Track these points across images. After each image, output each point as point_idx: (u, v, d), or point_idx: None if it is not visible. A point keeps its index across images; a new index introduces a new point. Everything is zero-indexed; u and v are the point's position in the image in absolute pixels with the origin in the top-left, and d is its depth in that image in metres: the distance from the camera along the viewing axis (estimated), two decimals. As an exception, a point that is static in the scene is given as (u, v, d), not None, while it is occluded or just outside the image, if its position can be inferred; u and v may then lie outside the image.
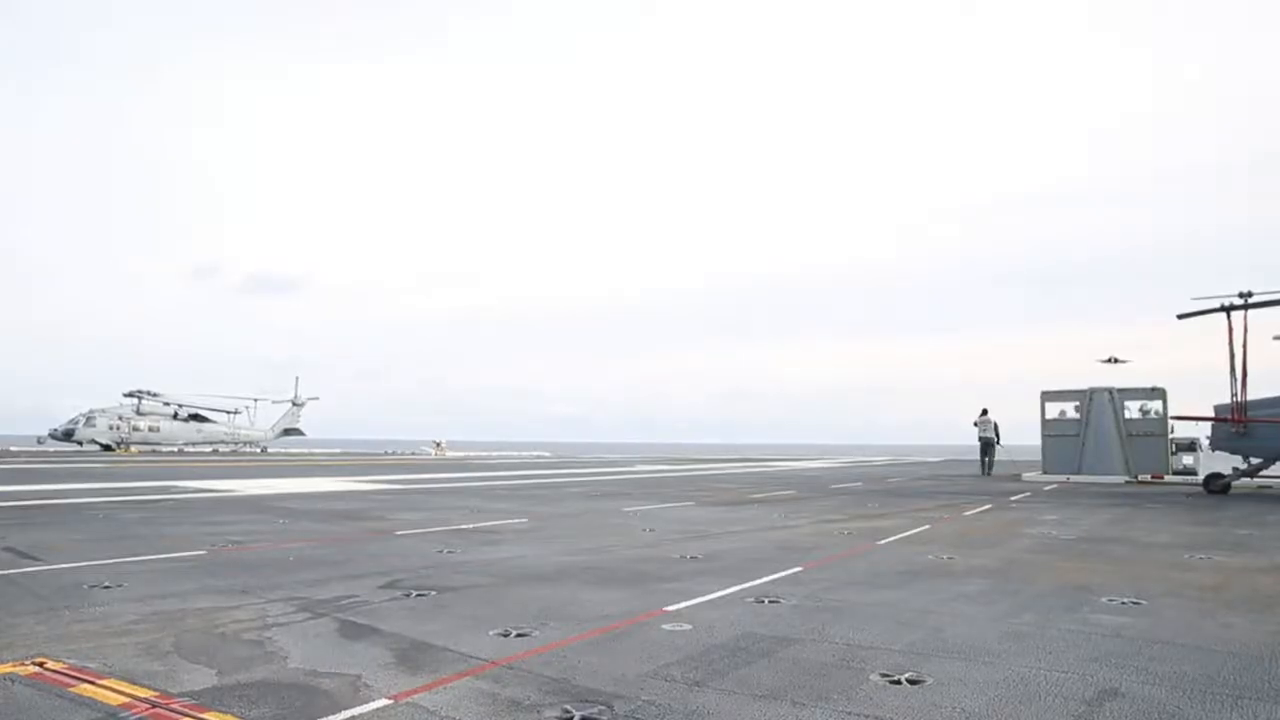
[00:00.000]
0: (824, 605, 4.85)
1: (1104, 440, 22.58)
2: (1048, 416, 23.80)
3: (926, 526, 9.58)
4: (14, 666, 3.35)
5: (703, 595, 5.07)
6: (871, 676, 3.36)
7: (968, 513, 11.66)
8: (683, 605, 4.76)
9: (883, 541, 8.07)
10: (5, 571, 5.73)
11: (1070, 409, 23.59)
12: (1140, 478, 21.45)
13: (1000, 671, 3.45)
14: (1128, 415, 22.61)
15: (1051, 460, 23.40)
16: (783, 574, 5.95)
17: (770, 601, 4.92)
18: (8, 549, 6.76)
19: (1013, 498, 15.02)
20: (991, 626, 4.34)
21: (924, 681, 3.28)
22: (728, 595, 5.11)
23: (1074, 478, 21.98)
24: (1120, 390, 22.87)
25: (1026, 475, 23.04)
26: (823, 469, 30.87)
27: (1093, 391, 23.05)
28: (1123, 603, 4.98)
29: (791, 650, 3.79)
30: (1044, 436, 23.77)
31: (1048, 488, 18.64)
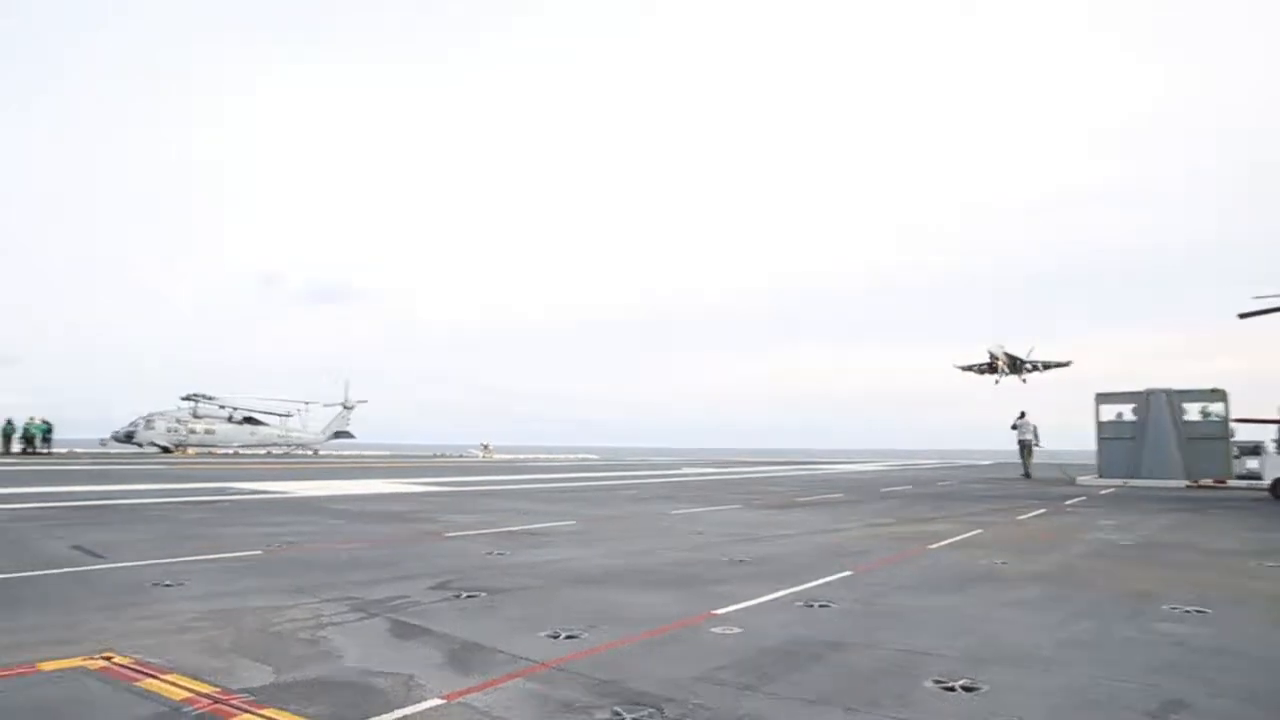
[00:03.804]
0: (875, 610, 4.79)
1: (1162, 443, 22.01)
2: (1102, 419, 23.27)
3: (979, 531, 9.42)
4: (84, 660, 3.45)
5: (752, 599, 5.04)
6: (925, 683, 3.31)
7: (1021, 517, 11.44)
8: (732, 609, 4.73)
9: (934, 546, 7.95)
10: (74, 569, 5.92)
11: (1127, 411, 23.05)
12: (1201, 482, 20.86)
13: (1059, 679, 3.38)
14: (1187, 418, 22.01)
15: (1107, 464, 22.87)
16: (833, 578, 5.89)
17: (820, 605, 4.88)
18: (76, 547, 6.98)
19: (1067, 502, 14.70)
20: (1048, 633, 4.25)
21: (979, 689, 3.22)
22: (777, 599, 5.08)
23: (1131, 482, 21.45)
24: (1179, 392, 22.28)
25: (1081, 479, 22.54)
26: (872, 472, 30.54)
27: (1150, 393, 22.50)
28: (1186, 611, 4.84)
29: (842, 655, 3.75)
30: (1099, 439, 23.24)
31: (1103, 492, 18.21)
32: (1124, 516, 11.67)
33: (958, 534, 9.01)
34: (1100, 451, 23.23)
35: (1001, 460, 46.85)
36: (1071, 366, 35.56)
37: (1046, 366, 33.39)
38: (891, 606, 4.91)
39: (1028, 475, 24.96)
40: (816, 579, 5.83)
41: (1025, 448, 25.95)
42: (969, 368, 38.38)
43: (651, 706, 2.97)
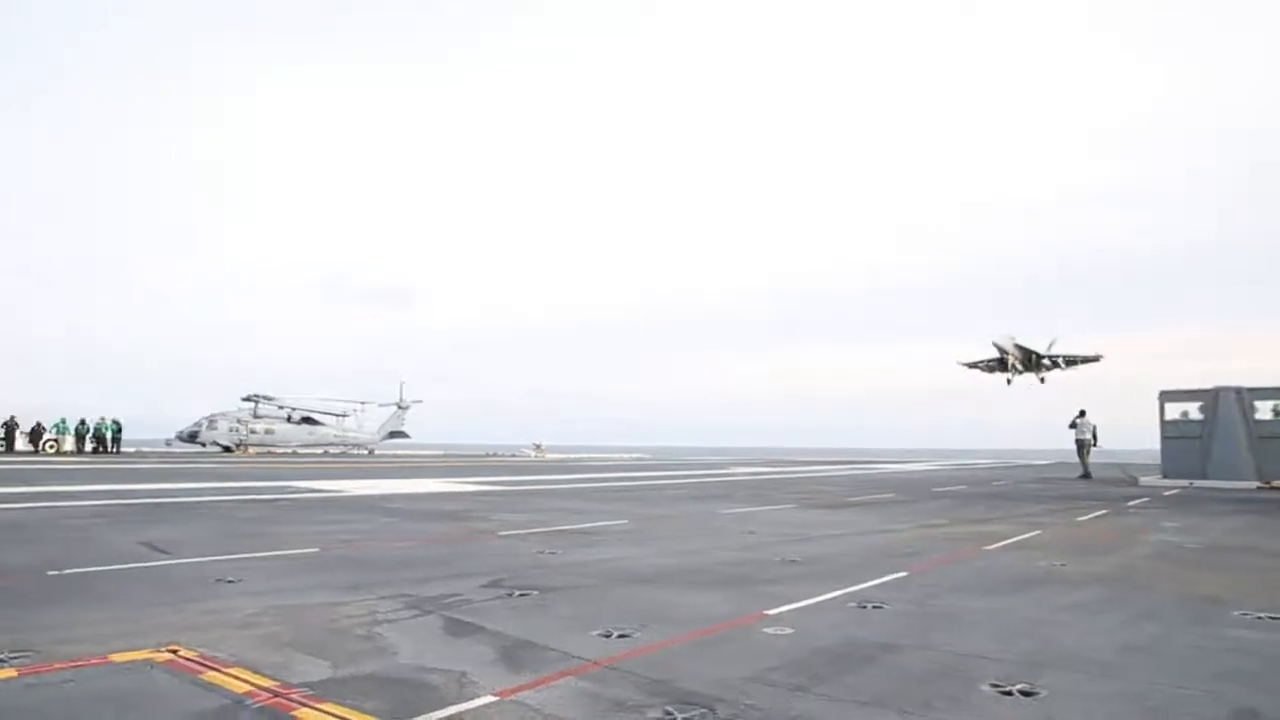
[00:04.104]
0: (929, 611, 4.73)
1: (1231, 443, 21.31)
2: (1167, 418, 22.60)
3: (1037, 532, 9.22)
4: (151, 653, 3.56)
5: (804, 599, 5.00)
6: (981, 686, 3.25)
7: (1080, 518, 11.16)
8: (783, 609, 4.71)
9: (990, 547, 7.80)
10: (141, 565, 6.11)
11: (1193, 410, 22.36)
12: (1274, 483, 20.14)
13: (1120, 685, 3.29)
14: (1258, 416, 21.28)
15: (1172, 464, 22.22)
16: (886, 579, 5.82)
17: (873, 607, 4.82)
18: (144, 543, 7.20)
19: (1130, 503, 14.32)
20: (1109, 637, 4.14)
21: (1038, 694, 3.16)
22: (829, 600, 5.04)
23: (1197, 483, 20.80)
24: (1250, 390, 21.55)
25: (1144, 480, 21.93)
26: (923, 472, 30.07)
27: (1218, 391, 21.80)
28: (1258, 617, 4.67)
29: (896, 657, 3.70)
30: (1163, 439, 22.59)
31: (1168, 493, 17.69)
32: (1190, 518, 11.33)
33: (1014, 535, 8.83)
34: (1164, 451, 22.58)
35: (1058, 460, 45.81)
36: (1101, 362, 32.60)
37: (1070, 362, 30.28)
38: (946, 608, 4.83)
39: (1087, 475, 24.36)
40: (869, 580, 5.76)
41: (1083, 447, 25.34)
42: (974, 365, 35.30)
43: (703, 706, 2.97)
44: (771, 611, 4.65)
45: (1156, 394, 22.97)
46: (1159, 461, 23.20)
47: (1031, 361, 31.18)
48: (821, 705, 3.01)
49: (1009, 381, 34.48)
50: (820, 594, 5.20)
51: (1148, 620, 4.58)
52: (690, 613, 4.63)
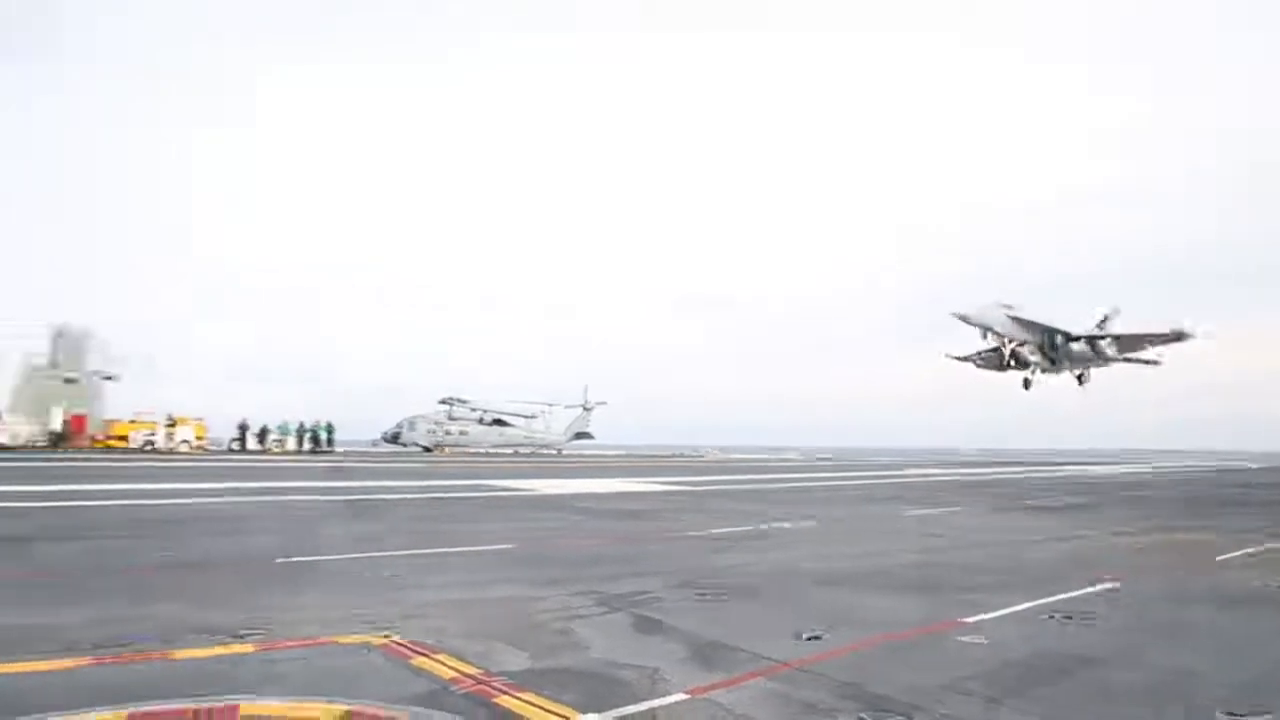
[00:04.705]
0: (1129, 625, 4.42)
1: None
2: None
3: (1255, 549, 8.28)
4: (368, 637, 3.89)
5: (996, 609, 4.78)
6: (1203, 709, 2.99)
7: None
8: (976, 618, 4.52)
9: (1195, 557, 7.13)
10: (356, 555, 6.64)
11: None
12: None
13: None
14: None
15: None
16: (1083, 591, 5.46)
17: (1070, 618, 4.55)
18: (357, 536, 7.82)
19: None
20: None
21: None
22: (1022, 610, 4.79)
23: None
24: None
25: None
26: (1106, 475, 27.77)
27: None
28: None
29: (1097, 672, 3.48)
30: None
31: None
32: None
33: (1219, 546, 8.01)
34: None
35: (1271, 464, 40.97)
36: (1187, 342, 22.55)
37: (1130, 346, 19.38)
38: (1148, 622, 4.51)
39: None
40: (1063, 590, 5.42)
41: None
42: (967, 358, 26.80)
43: (898, 714, 2.91)
44: (964, 619, 4.47)
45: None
46: None
47: (1056, 347, 21.75)
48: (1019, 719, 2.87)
49: (1026, 384, 24.17)
50: (1013, 603, 4.94)
51: None
52: (878, 616, 4.54)
